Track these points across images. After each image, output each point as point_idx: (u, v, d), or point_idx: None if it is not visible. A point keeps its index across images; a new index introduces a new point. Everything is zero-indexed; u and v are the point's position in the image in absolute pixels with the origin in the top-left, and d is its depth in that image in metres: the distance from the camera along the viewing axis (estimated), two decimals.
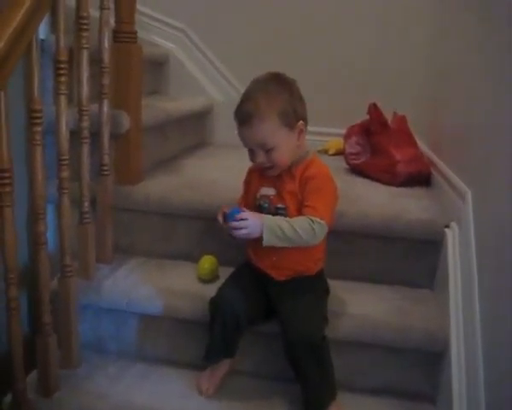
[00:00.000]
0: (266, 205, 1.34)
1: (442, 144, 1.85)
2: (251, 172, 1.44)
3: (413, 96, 2.21)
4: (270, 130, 1.26)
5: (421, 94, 2.21)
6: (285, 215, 1.31)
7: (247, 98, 1.29)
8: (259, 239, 1.26)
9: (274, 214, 1.31)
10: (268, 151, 1.28)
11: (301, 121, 1.30)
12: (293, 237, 1.25)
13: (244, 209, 1.29)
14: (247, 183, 1.45)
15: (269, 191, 1.35)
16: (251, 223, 1.25)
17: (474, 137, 1.44)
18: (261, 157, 1.29)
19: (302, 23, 2.35)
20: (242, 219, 1.25)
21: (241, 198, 1.46)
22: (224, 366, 1.39)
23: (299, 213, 1.30)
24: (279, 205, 1.33)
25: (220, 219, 1.33)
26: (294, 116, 1.29)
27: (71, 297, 1.38)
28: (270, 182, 1.35)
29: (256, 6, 2.37)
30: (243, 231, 1.25)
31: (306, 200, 1.30)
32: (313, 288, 1.37)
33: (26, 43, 1.14)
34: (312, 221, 1.25)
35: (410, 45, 2.26)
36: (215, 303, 1.34)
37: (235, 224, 1.25)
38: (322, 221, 1.26)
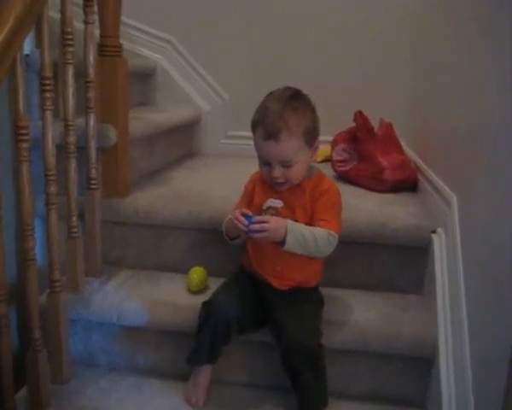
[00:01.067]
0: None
1: (428, 150, 1.87)
2: (255, 180, 1.44)
3: (399, 103, 2.23)
4: (296, 147, 1.29)
5: (407, 101, 2.23)
6: None
7: (273, 114, 1.27)
8: (274, 243, 1.29)
9: None
10: (286, 167, 1.30)
11: (318, 139, 1.35)
12: (312, 247, 1.29)
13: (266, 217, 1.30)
14: (250, 191, 1.44)
15: (276, 203, 1.36)
16: (273, 226, 1.26)
17: (459, 142, 1.46)
18: (278, 172, 1.30)
19: (289, 32, 2.36)
20: (263, 222, 1.26)
21: (240, 203, 1.44)
22: (206, 373, 1.38)
23: (308, 224, 1.33)
24: (288, 218, 1.33)
25: (242, 219, 1.28)
26: (315, 134, 1.33)
27: (60, 312, 1.38)
28: (278, 193, 1.37)
29: (242, 17, 2.38)
30: (263, 234, 1.26)
31: (320, 214, 1.33)
32: (311, 299, 1.40)
33: (11, 60, 1.14)
34: (329, 234, 1.30)
35: (396, 53, 2.28)
36: (207, 307, 1.35)
37: (255, 226, 1.26)
38: (336, 235, 1.31)
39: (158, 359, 1.51)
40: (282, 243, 1.27)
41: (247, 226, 1.26)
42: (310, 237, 1.28)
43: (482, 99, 1.27)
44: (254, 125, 1.32)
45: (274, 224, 1.26)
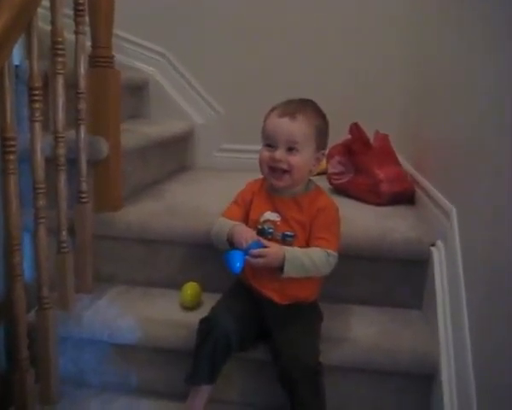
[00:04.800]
0: (271, 230, 1.34)
1: (425, 162, 1.84)
2: (252, 191, 1.42)
3: (395, 114, 2.22)
4: (307, 132, 1.31)
5: (403, 113, 2.21)
6: (292, 242, 1.32)
7: (294, 101, 1.34)
8: (274, 269, 1.28)
9: (280, 240, 1.32)
10: (291, 151, 1.30)
11: (323, 151, 1.36)
12: (312, 270, 1.29)
13: (265, 243, 1.28)
14: (248, 200, 1.42)
15: (273, 216, 1.35)
16: (271, 254, 1.26)
17: (457, 153, 1.44)
18: (281, 154, 1.30)
19: (284, 46, 2.34)
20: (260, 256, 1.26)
21: (233, 210, 1.42)
22: (204, 392, 1.32)
23: (307, 242, 1.33)
24: (287, 232, 1.33)
25: (244, 245, 1.28)
26: (324, 140, 1.36)
27: (49, 330, 1.34)
28: (274, 207, 1.36)
29: (237, 30, 2.36)
30: (261, 260, 1.26)
31: (319, 232, 1.33)
32: (310, 314, 1.37)
33: None
34: (328, 254, 1.29)
35: (392, 64, 2.27)
36: (207, 323, 1.30)
37: (254, 256, 1.25)
38: (335, 253, 1.31)
39: (151, 378, 1.47)
40: (281, 270, 1.27)
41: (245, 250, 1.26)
42: (308, 263, 1.27)
43: (480, 110, 1.26)
44: (271, 110, 1.35)
45: (272, 250, 1.26)
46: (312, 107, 1.35)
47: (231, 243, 1.33)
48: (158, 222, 1.60)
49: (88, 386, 1.48)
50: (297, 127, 1.29)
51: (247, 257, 1.25)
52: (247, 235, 1.29)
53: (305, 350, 1.25)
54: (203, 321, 1.31)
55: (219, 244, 1.38)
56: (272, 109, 1.35)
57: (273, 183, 1.34)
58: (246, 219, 1.40)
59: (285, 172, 1.31)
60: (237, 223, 1.36)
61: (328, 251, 1.30)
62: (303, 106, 1.33)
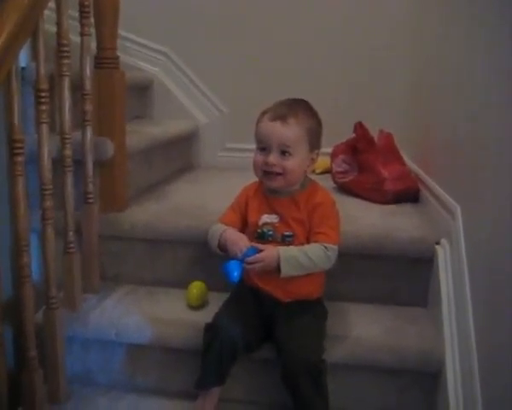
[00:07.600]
0: (271, 232, 1.35)
1: (430, 161, 1.85)
2: (248, 195, 1.43)
3: (399, 113, 2.21)
4: (299, 136, 1.31)
5: (407, 111, 2.21)
6: (292, 242, 1.33)
7: (284, 104, 1.34)
8: (273, 270, 1.29)
9: (281, 242, 1.33)
10: (284, 155, 1.30)
11: (317, 151, 1.36)
12: (309, 266, 1.29)
13: (259, 247, 1.29)
14: (243, 205, 1.43)
15: (272, 218, 1.36)
16: (267, 258, 1.27)
17: (462, 152, 1.44)
18: (274, 158, 1.30)
19: (288, 44, 2.34)
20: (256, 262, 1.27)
21: (230, 215, 1.43)
22: (215, 393, 1.34)
23: (307, 239, 1.33)
24: (286, 232, 1.34)
25: (239, 254, 1.28)
26: (317, 140, 1.36)
27: (57, 330, 1.35)
28: (272, 209, 1.37)
29: (240, 29, 2.36)
30: (258, 265, 1.27)
31: (317, 227, 1.33)
32: (314, 311, 1.37)
33: (6, 73, 1.12)
34: (327, 248, 1.30)
35: (395, 62, 2.27)
36: (212, 330, 1.31)
37: (250, 263, 1.26)
38: (335, 247, 1.31)
39: (158, 376, 1.48)
40: (278, 271, 1.28)
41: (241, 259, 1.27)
42: (304, 260, 1.28)
43: (485, 108, 1.26)
44: (262, 113, 1.34)
45: (267, 254, 1.27)
46: (304, 108, 1.35)
47: (224, 249, 1.35)
48: (163, 222, 1.61)
49: (95, 385, 1.49)
50: (288, 131, 1.29)
51: (244, 265, 1.26)
52: (240, 243, 1.30)
53: (308, 347, 1.26)
54: (208, 328, 1.32)
55: (212, 250, 1.39)
56: (263, 113, 1.35)
57: (267, 184, 1.36)
58: (242, 223, 1.41)
59: (278, 174, 1.32)
60: (227, 227, 1.37)
61: (327, 245, 1.30)
62: (294, 108, 1.32)
